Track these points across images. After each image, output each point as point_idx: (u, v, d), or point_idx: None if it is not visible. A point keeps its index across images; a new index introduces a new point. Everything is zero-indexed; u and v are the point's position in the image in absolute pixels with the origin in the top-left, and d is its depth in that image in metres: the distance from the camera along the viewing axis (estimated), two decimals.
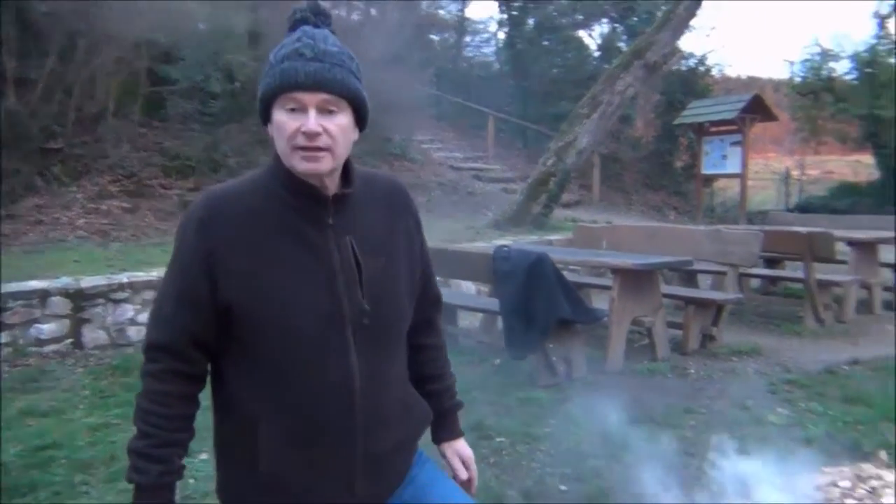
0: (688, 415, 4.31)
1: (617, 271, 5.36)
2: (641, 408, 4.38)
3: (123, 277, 6.04)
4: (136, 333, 5.88)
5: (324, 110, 1.32)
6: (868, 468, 2.11)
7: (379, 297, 1.41)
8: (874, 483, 2.01)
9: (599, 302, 6.45)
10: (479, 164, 15.64)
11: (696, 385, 4.99)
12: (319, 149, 1.32)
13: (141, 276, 6.13)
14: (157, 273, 6.16)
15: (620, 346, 5.35)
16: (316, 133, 1.30)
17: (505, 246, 5.29)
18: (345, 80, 1.33)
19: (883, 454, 2.27)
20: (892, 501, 1.88)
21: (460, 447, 1.68)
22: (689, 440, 3.86)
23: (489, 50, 22.78)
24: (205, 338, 1.39)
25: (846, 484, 2.05)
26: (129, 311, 5.92)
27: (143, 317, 5.93)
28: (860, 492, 2.00)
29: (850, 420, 4.13)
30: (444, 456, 1.68)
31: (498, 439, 3.92)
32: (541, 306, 4.78)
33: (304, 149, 1.32)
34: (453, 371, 1.75)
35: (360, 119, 1.40)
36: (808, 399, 4.57)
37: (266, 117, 1.37)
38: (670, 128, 16.87)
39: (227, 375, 1.42)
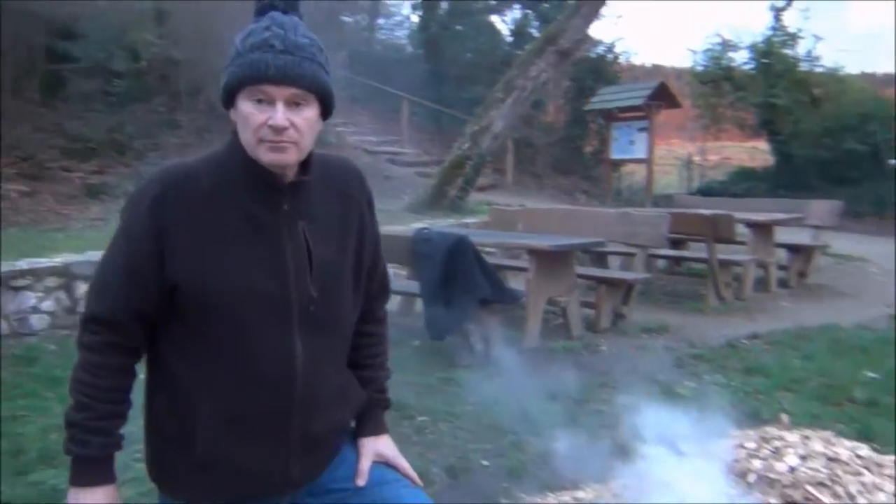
0: (602, 389, 4.49)
1: (533, 252, 5.49)
2: (558, 384, 4.53)
3: (23, 264, 5.76)
4: (39, 322, 5.63)
5: (291, 103, 1.31)
6: (771, 430, 2.26)
7: (327, 285, 1.42)
8: (777, 443, 2.16)
9: (515, 283, 6.58)
10: (394, 148, 15.63)
11: (609, 361, 5.18)
12: (285, 142, 1.32)
13: (43, 262, 5.85)
14: (60, 259, 5.91)
15: (537, 326, 5.49)
16: (284, 128, 1.30)
17: (425, 228, 5.34)
18: (315, 74, 1.32)
19: (784, 417, 2.44)
20: (794, 460, 2.04)
21: (381, 445, 1.60)
22: (603, 413, 4.02)
23: (402, 33, 22.73)
24: (147, 313, 1.37)
25: (752, 445, 2.20)
26: (30, 298, 5.65)
27: (47, 304, 5.69)
28: (765, 451, 2.15)
29: (751, 390, 4.41)
30: (359, 451, 1.57)
31: (420, 418, 3.97)
32: (461, 287, 4.85)
33: (270, 141, 1.31)
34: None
35: (326, 110, 1.40)
36: (712, 371, 4.84)
37: (229, 102, 1.35)
38: (580, 114, 17.30)
39: (165, 353, 1.41)
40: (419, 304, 5.30)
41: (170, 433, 1.42)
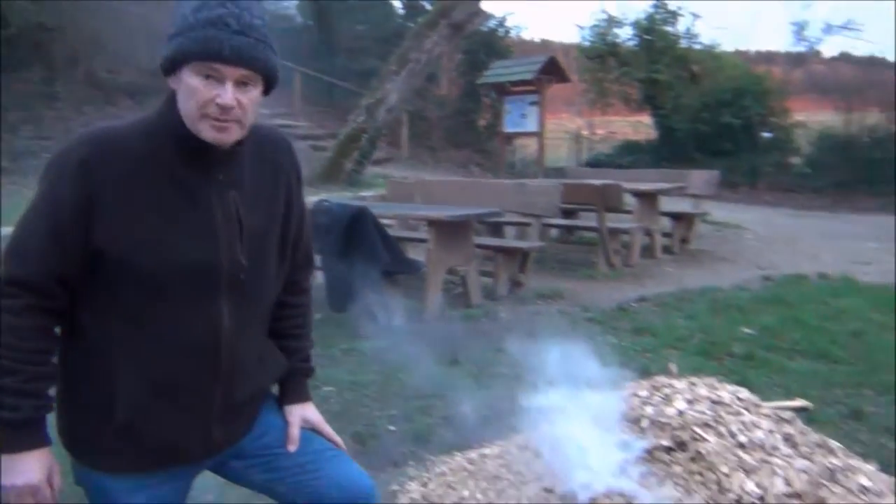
0: (501, 353, 4.63)
1: (433, 223, 5.56)
2: (460, 350, 4.65)
3: None
4: None
5: (240, 83, 1.31)
6: (661, 379, 2.43)
7: (256, 254, 1.43)
8: (666, 391, 2.33)
9: (415, 254, 6.66)
10: (287, 121, 15.29)
11: (508, 327, 5.34)
12: (230, 120, 1.32)
13: None
14: None
15: (437, 295, 5.59)
16: (231, 107, 1.30)
17: (325, 200, 5.31)
18: (267, 57, 1.32)
19: (673, 367, 2.63)
20: (682, 404, 2.20)
21: (308, 413, 1.64)
22: (503, 375, 4.16)
23: (290, 3, 22.14)
24: (69, 277, 1.34)
25: (644, 393, 2.36)
26: None
27: None
28: (656, 398, 2.31)
29: (640, 348, 4.68)
30: (287, 419, 1.61)
31: (325, 388, 3.99)
32: (362, 258, 4.88)
33: (215, 119, 1.31)
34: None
35: (269, 88, 1.40)
36: (604, 333, 5.09)
37: (171, 70, 1.32)
38: (473, 87, 17.47)
39: (85, 319, 1.38)
40: (320, 277, 5.28)
41: (87, 400, 1.40)
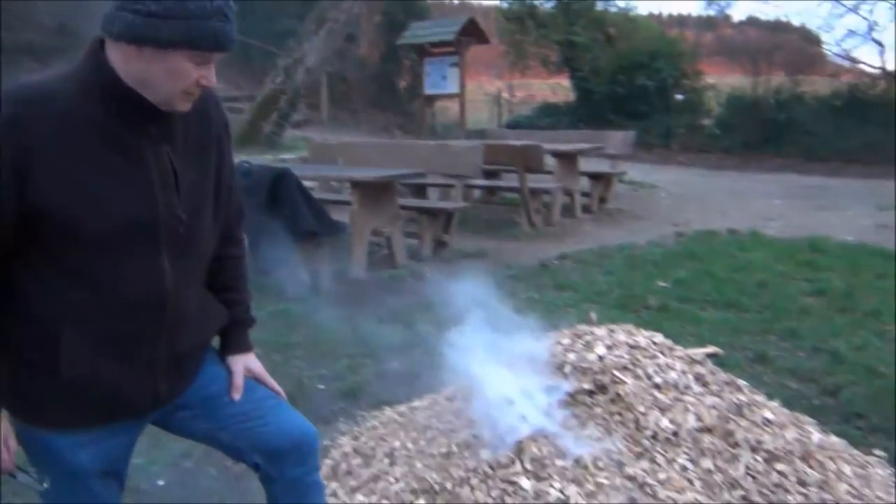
0: (427, 311, 4.70)
1: (357, 184, 5.55)
2: (386, 309, 4.70)
3: None
4: None
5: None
6: (583, 328, 2.54)
7: (193, 207, 1.43)
8: (588, 338, 2.44)
9: (338, 217, 6.63)
10: None
11: (433, 286, 5.41)
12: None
13: None
14: None
15: (363, 256, 5.60)
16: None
17: (245, 161, 5.22)
18: (235, 38, 1.34)
19: (593, 315, 2.75)
20: (601, 350, 2.32)
21: (250, 362, 1.68)
22: (431, 332, 4.23)
23: None
24: (5, 240, 1.30)
25: (567, 341, 2.47)
26: None
27: None
28: (577, 345, 2.42)
29: (562, 303, 4.83)
30: (230, 369, 1.63)
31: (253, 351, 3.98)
32: (286, 221, 4.83)
33: (192, 95, 1.34)
34: None
35: None
36: (527, 290, 5.22)
37: (149, 45, 1.27)
38: (394, 49, 17.29)
39: (24, 279, 1.35)
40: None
41: (32, 359, 1.38)
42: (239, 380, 1.61)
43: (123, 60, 1.29)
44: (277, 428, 1.61)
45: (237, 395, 1.59)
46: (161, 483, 2.71)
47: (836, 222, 8.23)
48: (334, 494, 2.40)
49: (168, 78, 1.31)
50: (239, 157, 8.31)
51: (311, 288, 5.10)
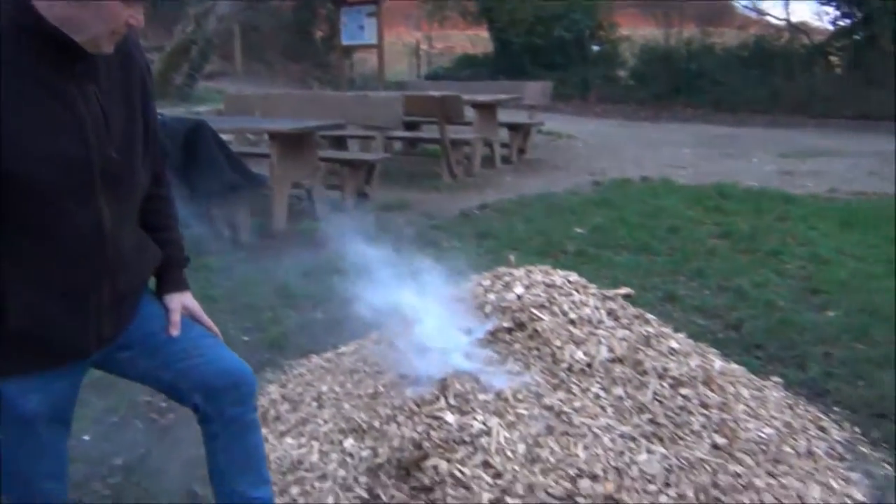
0: (349, 262, 4.72)
1: (275, 136, 5.47)
2: (308, 262, 4.69)
3: None
4: None
5: None
6: (502, 270, 2.64)
7: (124, 147, 1.43)
8: (507, 279, 2.53)
9: (257, 170, 6.54)
10: None
11: (355, 237, 5.43)
12: None
13: None
14: None
15: (283, 209, 5.56)
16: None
17: (160, 113, 5.04)
18: None
19: (511, 257, 2.84)
20: (520, 289, 2.42)
21: (187, 300, 1.71)
22: (353, 282, 4.27)
23: None
24: None
25: (487, 283, 2.56)
26: None
27: None
28: (497, 286, 2.51)
29: (483, 251, 4.94)
30: (167, 307, 1.67)
31: None
32: (203, 174, 4.74)
33: (120, 35, 1.35)
34: None
35: None
36: (449, 238, 5.31)
37: None
38: None
39: None
40: None
41: None
42: (176, 316, 1.65)
43: (48, 1, 1.28)
44: (216, 366, 1.65)
45: (175, 331, 1.63)
46: (87, 438, 2.69)
47: (741, 169, 8.61)
48: (264, 440, 2.44)
49: (97, 18, 1.30)
50: None
51: (232, 242, 5.05)
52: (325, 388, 2.62)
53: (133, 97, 1.48)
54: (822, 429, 2.55)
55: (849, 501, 2.14)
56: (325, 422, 2.38)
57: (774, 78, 15.05)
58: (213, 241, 4.92)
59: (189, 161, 4.73)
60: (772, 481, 2.07)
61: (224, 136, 5.84)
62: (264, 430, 2.51)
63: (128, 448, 2.68)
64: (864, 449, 2.53)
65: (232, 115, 7.16)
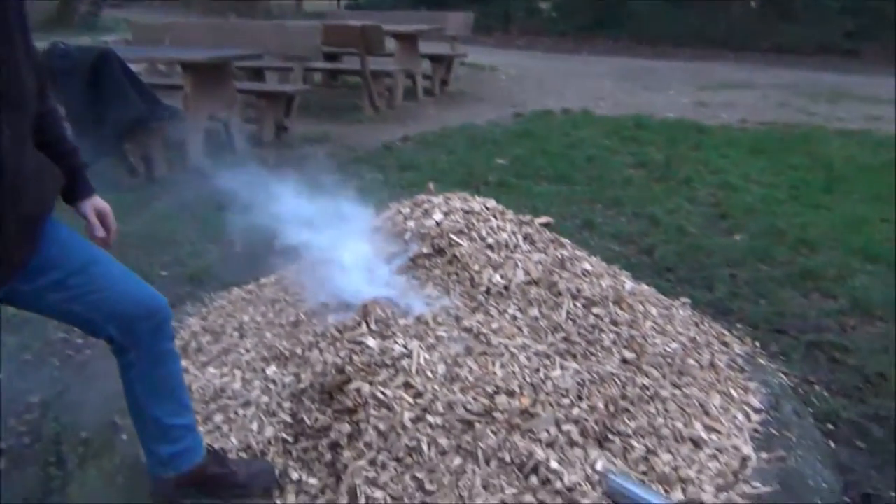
0: (269, 195, 4.64)
1: (188, 67, 5.27)
2: (226, 196, 4.57)
3: None
4: None
5: None
6: (421, 197, 2.65)
7: (11, 62, 1.38)
8: (426, 206, 2.56)
9: (170, 102, 6.30)
10: None
11: (275, 171, 5.33)
12: None
13: None
14: None
15: (199, 142, 5.40)
16: None
17: (60, 42, 4.78)
18: None
19: (431, 185, 2.86)
20: (439, 216, 2.45)
21: (97, 202, 1.74)
22: (276, 215, 4.22)
23: None
24: None
25: (407, 210, 2.57)
26: None
27: None
28: (416, 213, 2.54)
29: (405, 183, 4.94)
30: (83, 214, 1.72)
31: None
32: (111, 106, 4.55)
33: None
34: None
35: None
36: (372, 171, 5.28)
37: None
38: None
39: None
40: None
41: None
42: (93, 219, 1.72)
43: None
44: (130, 296, 1.64)
45: (100, 233, 1.72)
46: (0, 376, 2.63)
47: (659, 101, 8.79)
48: (185, 371, 2.43)
49: None
50: (52, 40, 7.61)
51: (146, 176, 4.90)
52: (246, 319, 2.62)
53: (19, 19, 1.42)
54: (725, 344, 2.71)
55: (746, 408, 2.29)
56: (248, 351, 2.39)
57: (694, 12, 15.25)
58: (127, 176, 4.77)
59: (96, 92, 4.52)
60: (676, 392, 2.20)
61: (133, 67, 5.59)
62: (185, 363, 2.49)
63: (44, 385, 2.63)
64: (762, 361, 2.71)
65: (140, 44, 6.82)
